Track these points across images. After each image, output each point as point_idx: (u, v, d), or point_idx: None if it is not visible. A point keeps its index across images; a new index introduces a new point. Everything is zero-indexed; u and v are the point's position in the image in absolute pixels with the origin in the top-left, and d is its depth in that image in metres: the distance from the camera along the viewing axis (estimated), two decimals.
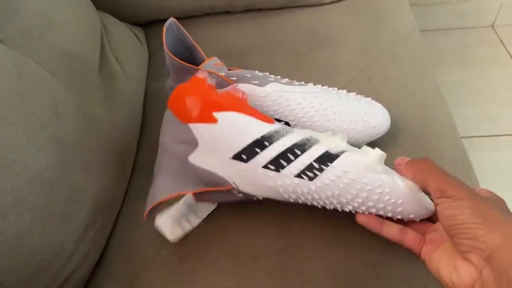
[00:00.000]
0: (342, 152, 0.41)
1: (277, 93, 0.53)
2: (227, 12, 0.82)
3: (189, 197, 0.50)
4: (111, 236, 0.55)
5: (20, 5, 0.49)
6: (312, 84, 0.55)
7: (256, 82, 0.53)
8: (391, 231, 0.41)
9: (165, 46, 0.53)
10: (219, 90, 0.47)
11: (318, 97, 0.53)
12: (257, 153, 0.42)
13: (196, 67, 0.54)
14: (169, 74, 0.56)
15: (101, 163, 0.54)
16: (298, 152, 0.41)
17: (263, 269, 0.48)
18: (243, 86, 0.53)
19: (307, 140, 0.42)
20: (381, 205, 0.40)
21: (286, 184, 0.42)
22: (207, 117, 0.44)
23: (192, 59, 0.58)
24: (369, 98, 0.55)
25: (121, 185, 0.58)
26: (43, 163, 0.43)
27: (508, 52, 1.41)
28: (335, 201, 0.42)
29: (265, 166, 0.42)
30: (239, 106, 0.44)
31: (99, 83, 0.59)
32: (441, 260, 0.34)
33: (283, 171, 0.42)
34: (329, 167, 0.40)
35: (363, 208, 0.41)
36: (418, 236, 0.39)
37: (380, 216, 0.41)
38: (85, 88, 0.55)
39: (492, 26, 1.50)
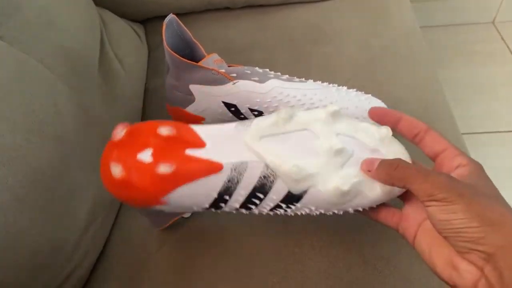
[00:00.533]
0: (305, 191, 0.38)
1: (277, 89, 0.52)
2: (227, 8, 0.82)
3: None
4: (112, 234, 0.55)
5: (21, 2, 0.49)
6: (312, 80, 0.55)
7: (256, 78, 0.53)
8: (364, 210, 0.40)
9: (165, 43, 0.53)
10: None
11: (318, 94, 0.53)
12: (223, 206, 0.40)
13: (196, 63, 0.54)
14: (169, 70, 0.56)
15: None
16: (261, 196, 0.39)
17: (263, 266, 0.48)
18: (243, 83, 0.53)
19: (264, 177, 0.38)
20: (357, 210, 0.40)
21: (263, 214, 0.42)
22: (155, 202, 0.39)
23: (192, 55, 0.57)
24: (370, 95, 0.55)
25: None
26: (43, 160, 0.43)
27: (509, 48, 1.41)
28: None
29: (237, 210, 0.41)
30: (178, 177, 0.38)
31: (99, 80, 0.59)
32: (433, 253, 0.33)
33: (254, 210, 0.41)
34: (296, 206, 0.39)
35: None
36: (390, 211, 0.38)
37: None
38: (85, 86, 0.55)
39: (493, 22, 1.50)
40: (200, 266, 0.49)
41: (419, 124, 0.38)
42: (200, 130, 0.40)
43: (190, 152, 0.38)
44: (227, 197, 0.39)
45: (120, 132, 0.38)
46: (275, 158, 0.38)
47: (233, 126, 0.40)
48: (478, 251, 0.29)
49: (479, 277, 0.29)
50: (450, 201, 0.30)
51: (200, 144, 0.39)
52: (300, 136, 0.39)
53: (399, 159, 0.36)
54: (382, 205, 0.39)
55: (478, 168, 0.34)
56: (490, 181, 0.33)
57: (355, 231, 0.49)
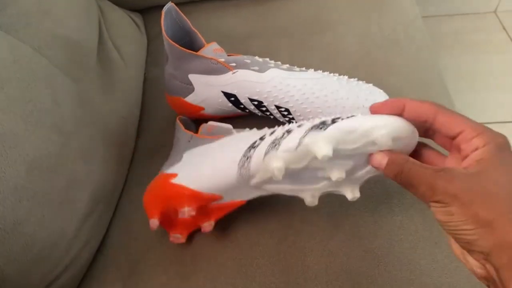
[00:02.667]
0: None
1: (277, 79, 0.52)
2: None
3: None
4: (111, 224, 0.55)
5: None
6: (313, 70, 0.55)
7: (256, 68, 0.53)
8: None
9: (163, 32, 0.52)
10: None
11: (319, 83, 0.52)
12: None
13: (196, 53, 0.53)
14: (168, 60, 0.56)
15: (101, 150, 0.53)
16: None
17: (264, 256, 0.48)
18: (242, 72, 0.53)
19: None
20: None
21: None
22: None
23: (191, 44, 0.57)
24: (371, 84, 0.54)
25: (121, 173, 0.58)
26: (42, 150, 0.42)
27: (510, 38, 1.40)
28: None
29: None
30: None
31: (98, 70, 0.58)
32: (458, 250, 0.34)
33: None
34: None
35: None
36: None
37: None
38: (84, 75, 0.54)
39: (495, 12, 1.49)
40: (200, 256, 0.49)
41: (425, 111, 0.35)
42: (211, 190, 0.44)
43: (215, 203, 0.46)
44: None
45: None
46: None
47: (234, 176, 0.42)
48: (476, 251, 0.29)
49: (485, 272, 0.30)
50: (446, 202, 0.30)
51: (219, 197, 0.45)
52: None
53: (404, 160, 0.34)
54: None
55: (495, 147, 0.31)
56: (509, 157, 0.31)
57: (355, 220, 0.48)
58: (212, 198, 0.45)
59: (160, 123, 0.65)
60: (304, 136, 0.37)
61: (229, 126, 0.49)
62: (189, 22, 0.56)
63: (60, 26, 0.52)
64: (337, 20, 0.74)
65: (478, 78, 1.31)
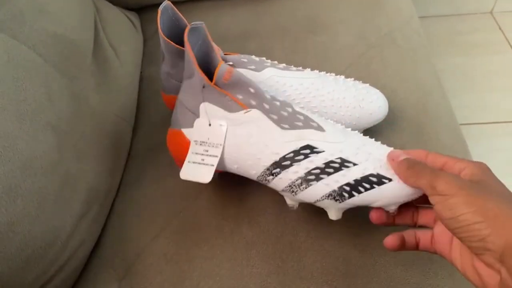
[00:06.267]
0: None
1: (274, 78, 0.52)
2: None
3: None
4: (107, 223, 0.55)
5: None
6: (309, 69, 0.54)
7: (253, 67, 0.52)
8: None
9: (159, 30, 0.52)
10: None
11: (315, 83, 0.52)
12: None
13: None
14: (164, 58, 0.56)
15: (96, 149, 0.53)
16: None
17: (259, 256, 0.47)
18: (239, 71, 0.52)
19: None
20: None
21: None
22: None
23: None
24: (367, 84, 0.54)
25: (116, 172, 0.58)
26: (36, 149, 0.42)
27: (507, 39, 1.41)
28: None
29: None
30: None
31: (93, 68, 0.58)
32: (463, 263, 0.33)
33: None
34: None
35: None
36: (428, 235, 0.38)
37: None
38: (79, 74, 0.54)
39: (491, 13, 1.49)
40: (196, 255, 0.49)
41: (419, 153, 0.40)
42: None
43: None
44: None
45: None
46: None
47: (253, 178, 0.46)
48: (490, 250, 0.29)
49: (498, 280, 0.29)
50: (451, 193, 0.31)
51: None
52: None
53: (420, 161, 0.37)
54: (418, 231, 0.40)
55: (481, 168, 0.35)
56: (496, 178, 0.34)
57: (351, 220, 0.48)
58: None
59: (156, 122, 0.65)
60: (320, 200, 0.42)
61: (246, 78, 0.45)
62: (185, 20, 0.56)
63: (55, 25, 0.52)
64: (333, 20, 0.74)
65: (474, 78, 1.31)
